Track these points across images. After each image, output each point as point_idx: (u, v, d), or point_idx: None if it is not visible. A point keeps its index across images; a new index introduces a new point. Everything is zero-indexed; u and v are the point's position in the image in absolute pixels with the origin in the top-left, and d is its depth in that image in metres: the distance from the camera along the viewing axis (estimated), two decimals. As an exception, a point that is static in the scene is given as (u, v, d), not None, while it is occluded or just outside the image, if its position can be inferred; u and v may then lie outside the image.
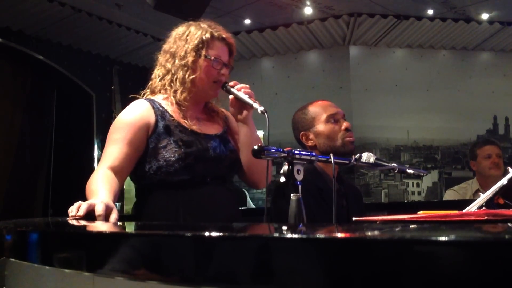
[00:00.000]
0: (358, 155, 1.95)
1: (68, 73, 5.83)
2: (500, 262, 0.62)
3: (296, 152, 1.69)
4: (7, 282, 1.40)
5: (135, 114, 1.94)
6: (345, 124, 2.32)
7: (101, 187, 1.72)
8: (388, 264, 0.70)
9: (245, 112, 2.03)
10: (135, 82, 6.24)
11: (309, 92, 5.96)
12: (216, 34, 2.03)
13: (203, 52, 1.99)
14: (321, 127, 2.32)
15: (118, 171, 1.84)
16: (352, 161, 1.93)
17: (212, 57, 1.99)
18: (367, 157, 1.94)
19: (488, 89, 6.22)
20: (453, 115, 6.15)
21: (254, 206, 5.12)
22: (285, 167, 1.69)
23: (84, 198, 1.67)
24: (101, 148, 5.78)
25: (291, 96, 6.11)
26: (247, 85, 2.02)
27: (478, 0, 5.37)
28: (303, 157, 1.71)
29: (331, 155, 1.86)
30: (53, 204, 5.89)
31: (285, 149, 1.69)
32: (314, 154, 1.77)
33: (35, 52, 5.55)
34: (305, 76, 6.24)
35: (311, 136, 2.34)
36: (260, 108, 1.92)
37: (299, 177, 1.68)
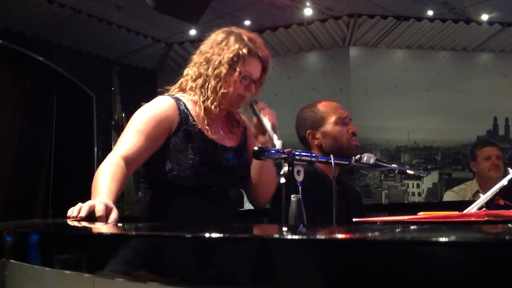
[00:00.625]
0: (358, 156, 1.95)
1: (68, 74, 5.82)
2: (500, 262, 0.62)
3: (296, 153, 1.70)
4: (7, 283, 1.40)
5: (159, 110, 1.93)
6: (353, 128, 2.33)
7: (104, 184, 1.71)
8: (388, 265, 0.70)
9: (267, 137, 1.97)
10: (136, 83, 6.24)
11: (309, 93, 5.95)
12: (254, 50, 2.00)
13: (238, 68, 1.96)
14: (329, 127, 2.32)
15: (130, 162, 1.83)
16: (352, 162, 1.93)
17: (243, 74, 1.98)
18: (367, 158, 1.95)
19: (488, 90, 6.21)
20: (453, 116, 6.14)
21: (252, 207, 5.10)
22: (285, 168, 1.69)
23: (85, 199, 1.67)
24: (102, 149, 5.79)
25: (291, 97, 6.10)
26: (274, 112, 1.97)
27: (478, 1, 5.37)
28: (303, 158, 1.71)
29: (331, 156, 1.86)
30: (53, 205, 5.88)
31: (285, 150, 1.69)
32: (314, 155, 1.77)
33: (35, 53, 5.55)
34: (305, 77, 6.23)
35: (318, 135, 2.34)
36: (278, 143, 1.84)
37: (299, 178, 1.68)
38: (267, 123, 1.92)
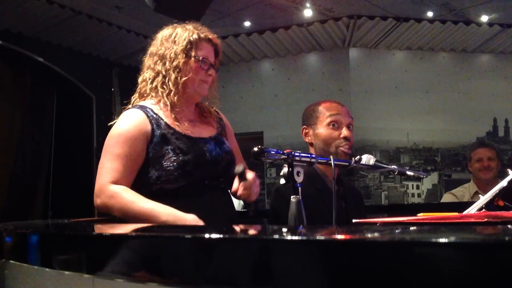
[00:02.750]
0: (358, 157, 1.95)
1: (68, 75, 5.83)
2: (500, 263, 0.62)
3: (296, 154, 1.69)
4: (7, 284, 1.40)
5: (131, 126, 1.93)
6: (344, 133, 2.28)
7: (149, 202, 1.80)
8: (388, 266, 0.70)
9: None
10: (135, 85, 6.23)
11: (309, 94, 5.95)
12: (202, 35, 2.04)
13: (192, 53, 2.00)
14: (320, 128, 2.31)
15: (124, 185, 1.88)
16: (352, 163, 1.93)
17: (201, 58, 2.01)
18: (367, 159, 1.95)
19: (488, 91, 6.22)
20: (453, 117, 6.15)
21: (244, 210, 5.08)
22: (285, 169, 1.69)
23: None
24: (101, 151, 5.78)
25: (291, 98, 6.11)
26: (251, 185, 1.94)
27: (477, 2, 5.38)
28: (303, 159, 1.71)
29: (331, 157, 1.86)
30: (53, 206, 5.88)
31: (285, 151, 1.69)
32: (314, 156, 1.77)
33: (35, 54, 5.55)
34: (305, 78, 6.24)
35: (310, 133, 2.34)
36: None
37: (299, 179, 1.68)
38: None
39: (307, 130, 2.36)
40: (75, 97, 6.03)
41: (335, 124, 2.29)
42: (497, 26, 5.90)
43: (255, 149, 1.65)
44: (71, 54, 5.87)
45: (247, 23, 5.82)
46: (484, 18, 5.75)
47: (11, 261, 1.35)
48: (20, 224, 1.58)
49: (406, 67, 6.21)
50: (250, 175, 1.93)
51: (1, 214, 5.23)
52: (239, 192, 1.90)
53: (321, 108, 2.36)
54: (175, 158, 1.90)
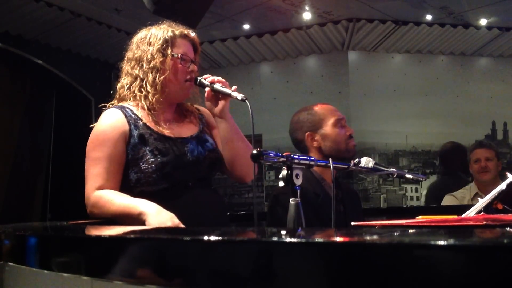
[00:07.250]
0: (357, 160, 1.95)
1: (67, 78, 5.83)
2: (498, 266, 0.62)
3: (295, 156, 1.70)
4: (5, 286, 1.39)
5: (110, 126, 1.91)
6: (349, 130, 2.35)
7: (128, 199, 1.78)
8: (387, 268, 0.70)
9: (221, 103, 1.99)
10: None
11: (308, 97, 5.95)
12: (177, 32, 2.01)
13: (169, 51, 1.96)
14: (329, 129, 2.33)
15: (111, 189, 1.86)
16: (351, 166, 1.93)
17: (179, 55, 1.98)
18: (366, 162, 1.95)
19: (487, 95, 6.22)
20: (452, 121, 6.15)
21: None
22: (284, 172, 1.69)
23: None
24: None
25: (290, 101, 6.10)
26: (220, 77, 1.99)
27: (476, 5, 5.38)
28: (301, 161, 1.71)
29: (330, 159, 1.86)
30: (51, 209, 5.88)
31: (284, 154, 1.69)
32: (313, 158, 1.77)
33: (34, 56, 5.54)
34: (304, 81, 6.24)
35: (317, 137, 2.34)
36: (239, 96, 1.90)
37: (298, 181, 1.68)
38: (219, 86, 1.96)
39: (313, 135, 2.35)
40: (74, 99, 6.03)
41: (340, 124, 2.34)
42: (496, 29, 5.90)
43: (254, 151, 1.65)
44: (70, 57, 5.87)
45: (246, 26, 5.82)
46: (483, 22, 5.76)
47: (10, 263, 1.35)
48: (19, 226, 1.59)
49: (405, 70, 6.21)
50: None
51: (0, 216, 5.23)
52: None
53: (319, 110, 2.38)
54: (153, 159, 1.86)
